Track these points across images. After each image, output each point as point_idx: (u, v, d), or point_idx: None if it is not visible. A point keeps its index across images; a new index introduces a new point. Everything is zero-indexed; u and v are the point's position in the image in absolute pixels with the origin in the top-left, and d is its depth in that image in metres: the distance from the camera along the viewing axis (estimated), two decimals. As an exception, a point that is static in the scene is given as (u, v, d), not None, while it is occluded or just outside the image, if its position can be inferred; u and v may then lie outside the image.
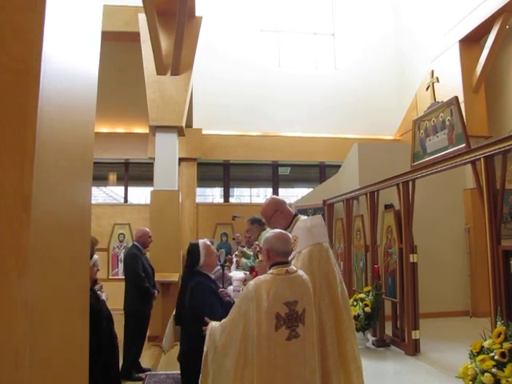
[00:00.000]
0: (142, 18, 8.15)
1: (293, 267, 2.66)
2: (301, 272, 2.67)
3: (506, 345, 3.59)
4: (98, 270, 4.03)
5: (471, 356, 3.85)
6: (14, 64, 1.03)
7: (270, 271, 2.62)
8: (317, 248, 3.02)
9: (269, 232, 2.82)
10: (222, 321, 2.69)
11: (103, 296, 3.92)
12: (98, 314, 3.56)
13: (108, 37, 7.99)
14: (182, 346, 3.33)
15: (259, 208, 3.46)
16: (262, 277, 2.62)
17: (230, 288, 4.65)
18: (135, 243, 5.76)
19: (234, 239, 9.67)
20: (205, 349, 2.69)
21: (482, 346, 3.80)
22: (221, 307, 3.10)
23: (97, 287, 5.38)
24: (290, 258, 2.77)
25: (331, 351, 2.86)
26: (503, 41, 8.83)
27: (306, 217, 3.31)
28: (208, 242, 3.48)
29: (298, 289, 2.59)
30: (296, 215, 3.28)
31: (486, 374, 3.56)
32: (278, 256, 2.65)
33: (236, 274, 4.43)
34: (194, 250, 3.43)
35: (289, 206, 3.35)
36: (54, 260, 1.21)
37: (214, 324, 2.73)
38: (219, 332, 2.64)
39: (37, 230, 1.05)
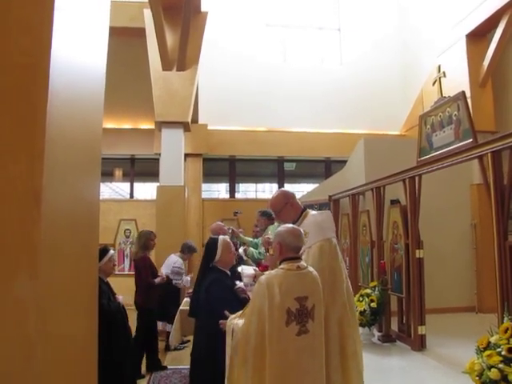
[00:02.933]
0: (147, 13, 8.15)
1: (303, 263, 2.66)
2: (311, 268, 2.67)
3: (513, 340, 3.59)
4: (114, 264, 4.02)
5: (478, 351, 3.83)
6: (24, 58, 1.04)
7: (281, 266, 2.61)
8: (326, 244, 3.01)
9: (281, 226, 2.80)
10: (240, 320, 2.69)
11: (119, 299, 3.93)
12: (110, 313, 3.57)
13: (113, 32, 7.90)
14: (196, 341, 3.35)
15: (265, 204, 3.44)
16: (273, 272, 2.62)
17: (240, 284, 4.65)
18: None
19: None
20: (227, 347, 2.70)
21: (489, 342, 3.78)
22: (238, 304, 3.10)
23: (158, 280, 5.49)
24: (300, 253, 2.77)
25: (332, 346, 2.86)
26: (511, 35, 8.74)
27: (315, 212, 3.30)
28: (228, 239, 3.47)
29: (308, 285, 2.59)
30: (304, 209, 3.26)
31: (492, 370, 3.55)
32: (290, 251, 2.65)
33: (245, 270, 4.41)
34: (211, 244, 3.43)
35: (298, 200, 3.33)
36: (63, 256, 1.21)
37: (234, 322, 2.73)
38: (239, 330, 2.65)
39: (47, 227, 1.05)
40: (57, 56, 1.11)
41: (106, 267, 3.79)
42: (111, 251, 3.91)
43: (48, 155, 1.06)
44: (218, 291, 3.15)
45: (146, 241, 5.67)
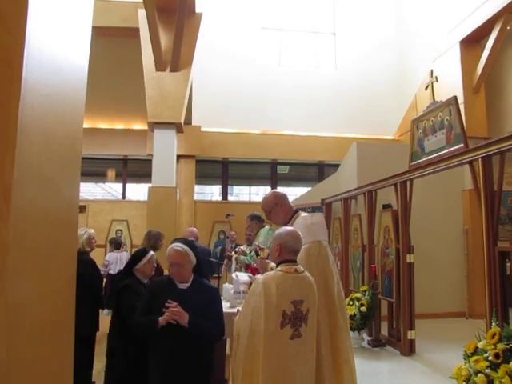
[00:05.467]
0: (141, 13, 8.12)
1: (300, 267, 2.65)
2: (307, 273, 2.66)
3: (500, 346, 3.58)
4: (153, 267, 3.87)
5: (465, 357, 3.83)
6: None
7: (279, 268, 2.60)
8: (315, 245, 3.00)
9: (280, 228, 2.80)
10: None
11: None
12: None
13: (107, 32, 7.96)
14: None
15: (258, 206, 3.43)
16: (271, 273, 2.61)
17: (229, 286, 4.62)
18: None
19: (227, 237, 9.66)
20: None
21: (476, 347, 3.78)
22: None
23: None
24: None
25: (324, 351, 2.84)
26: (504, 42, 8.80)
27: (306, 213, 3.28)
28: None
29: (304, 289, 2.58)
30: (296, 211, 3.25)
31: (479, 375, 3.54)
32: (289, 253, 2.64)
33: (241, 277, 4.36)
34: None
35: (290, 202, 3.32)
36: (35, 254, 1.18)
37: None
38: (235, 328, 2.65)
39: (17, 223, 1.02)
40: (32, 48, 1.08)
41: (144, 268, 3.67)
42: (151, 252, 3.78)
43: (20, 150, 1.03)
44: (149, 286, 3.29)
45: (156, 241, 5.67)
